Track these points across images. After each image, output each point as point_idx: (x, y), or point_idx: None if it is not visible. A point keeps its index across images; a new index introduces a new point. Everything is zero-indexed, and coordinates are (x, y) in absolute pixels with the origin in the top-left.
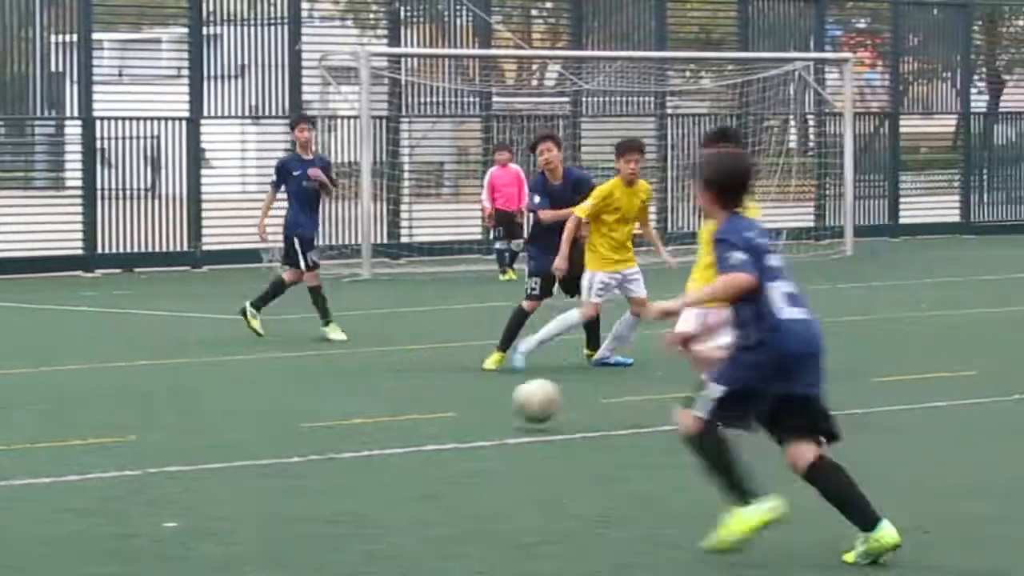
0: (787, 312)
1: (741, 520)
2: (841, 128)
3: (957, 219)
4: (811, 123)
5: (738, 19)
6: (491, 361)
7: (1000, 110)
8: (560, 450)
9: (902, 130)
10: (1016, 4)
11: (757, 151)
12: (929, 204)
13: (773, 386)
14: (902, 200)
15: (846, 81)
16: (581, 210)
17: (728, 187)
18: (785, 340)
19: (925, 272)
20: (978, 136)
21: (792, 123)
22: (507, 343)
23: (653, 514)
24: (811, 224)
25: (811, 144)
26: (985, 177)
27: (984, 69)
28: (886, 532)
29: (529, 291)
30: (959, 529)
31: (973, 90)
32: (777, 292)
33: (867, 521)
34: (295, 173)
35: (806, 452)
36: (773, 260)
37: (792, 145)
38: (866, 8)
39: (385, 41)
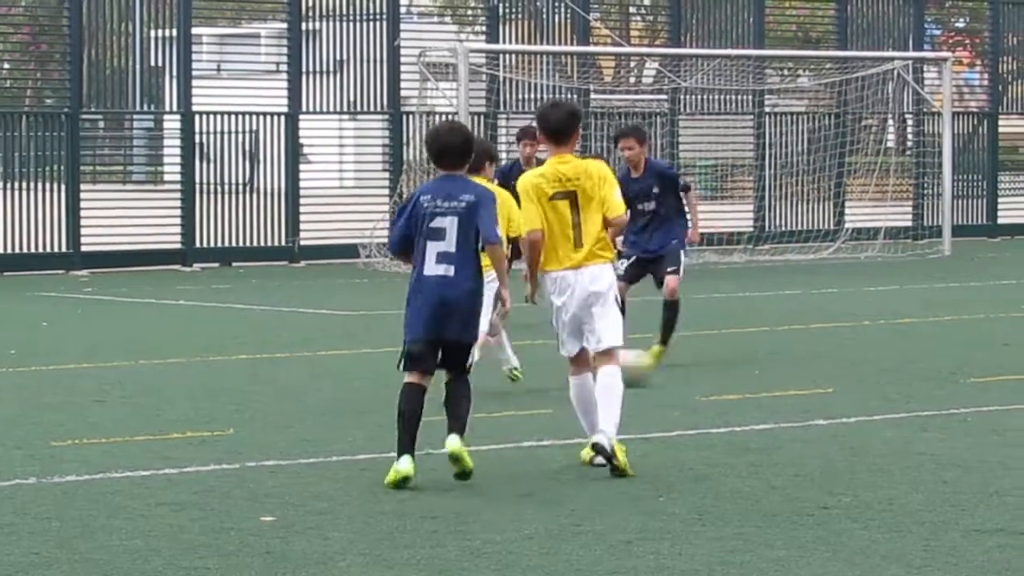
0: (429, 269)
1: (394, 469)
2: (939, 128)
3: None
4: (909, 122)
5: (836, 17)
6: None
7: None
8: (656, 447)
9: (1001, 130)
10: None
11: (855, 150)
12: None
13: (430, 333)
14: (1001, 200)
15: (945, 80)
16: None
17: (430, 154)
18: (421, 292)
19: (1022, 272)
20: None
21: (890, 122)
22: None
23: (748, 512)
24: (909, 224)
25: (909, 143)
26: None
27: None
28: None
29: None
30: None
31: None
32: (431, 251)
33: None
34: None
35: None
36: (436, 222)
37: (890, 144)
38: (965, 7)
39: (483, 37)
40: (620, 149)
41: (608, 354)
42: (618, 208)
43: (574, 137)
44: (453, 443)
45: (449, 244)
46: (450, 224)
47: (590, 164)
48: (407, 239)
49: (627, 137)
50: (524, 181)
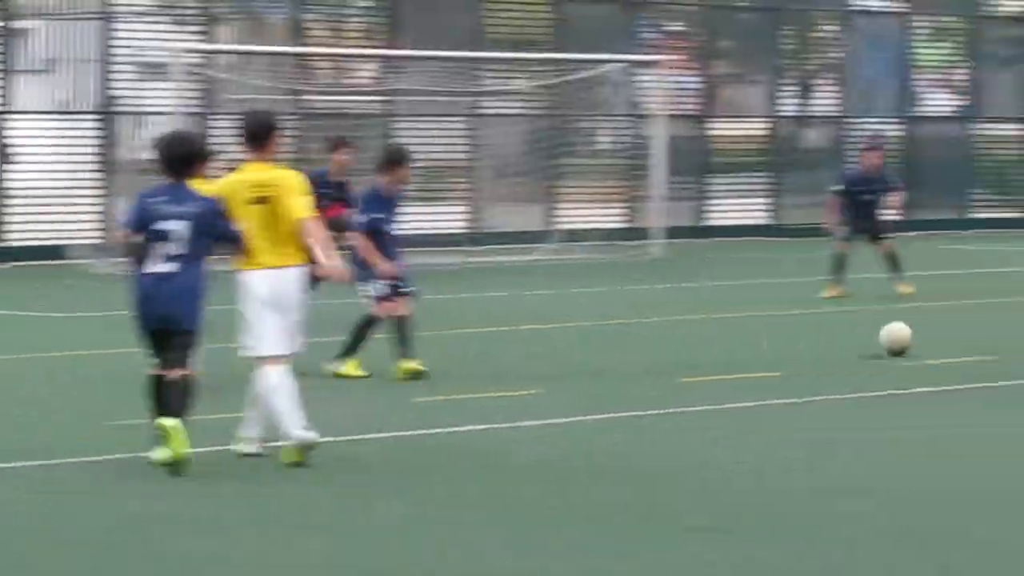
0: (153, 267)
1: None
2: (652, 130)
3: (766, 221)
4: (623, 125)
5: (552, 20)
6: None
7: (809, 114)
8: (372, 448)
9: (712, 133)
10: (826, 9)
11: (569, 152)
12: (738, 206)
13: (153, 324)
14: (711, 202)
15: (658, 84)
16: None
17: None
18: (143, 289)
19: (733, 274)
20: (787, 139)
21: (604, 125)
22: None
23: (463, 511)
24: (621, 225)
25: (623, 146)
26: (794, 181)
27: (794, 73)
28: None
29: None
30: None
31: (782, 94)
32: (157, 252)
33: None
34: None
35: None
36: (162, 225)
37: (604, 146)
38: (678, 12)
39: (199, 38)
40: (336, 153)
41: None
42: (302, 212)
43: (271, 144)
44: (167, 422)
45: (176, 247)
46: (178, 228)
47: (284, 172)
48: (135, 241)
49: (346, 144)
50: (224, 185)
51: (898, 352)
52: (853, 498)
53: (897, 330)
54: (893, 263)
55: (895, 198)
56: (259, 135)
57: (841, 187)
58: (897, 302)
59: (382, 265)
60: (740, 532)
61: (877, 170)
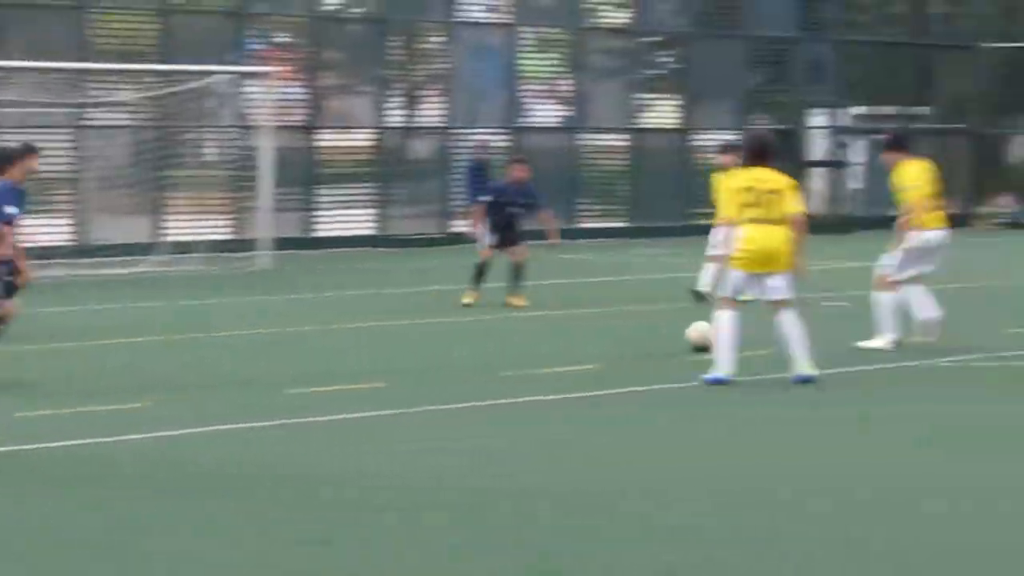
0: None
1: None
2: (260, 141)
3: (373, 232)
4: (231, 136)
5: (159, 32)
6: None
7: (415, 125)
8: None
9: (320, 144)
10: (432, 21)
11: (177, 163)
12: (346, 217)
13: None
14: (319, 213)
15: (265, 94)
16: None
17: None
18: None
19: (341, 284)
20: (394, 150)
21: (211, 136)
22: None
23: (35, 532)
24: (230, 237)
25: (231, 157)
26: (401, 191)
27: (401, 84)
28: None
29: None
30: (369, 538)
31: (390, 105)
32: None
33: None
34: None
35: None
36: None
37: (212, 157)
38: (285, 23)
39: None
40: None
41: None
42: None
43: None
44: None
45: None
46: None
47: None
48: None
49: None
50: None
51: (702, 348)
52: (436, 510)
53: (702, 328)
54: (517, 274)
55: (547, 218)
56: None
57: (488, 198)
58: (511, 312)
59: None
60: (345, 543)
61: (523, 183)
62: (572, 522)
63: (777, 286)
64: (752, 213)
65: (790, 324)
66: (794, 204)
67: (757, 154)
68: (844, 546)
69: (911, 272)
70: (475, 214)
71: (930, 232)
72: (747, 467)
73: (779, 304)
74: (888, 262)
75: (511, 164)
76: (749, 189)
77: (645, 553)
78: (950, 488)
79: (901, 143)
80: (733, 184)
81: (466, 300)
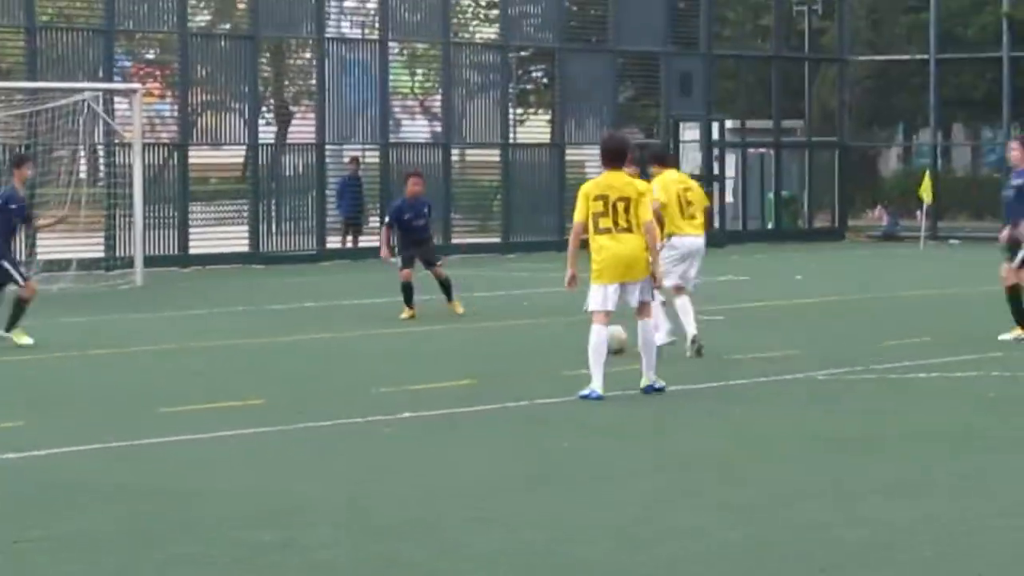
0: None
1: None
2: (131, 158)
3: (247, 249)
4: (101, 153)
5: (26, 48)
6: None
7: (288, 141)
8: None
9: (191, 161)
10: (300, 37)
11: (46, 181)
12: (219, 234)
13: None
14: (192, 230)
15: (135, 111)
16: None
17: None
18: None
19: (213, 301)
20: (266, 167)
21: (82, 153)
22: None
23: None
24: (102, 254)
25: (101, 174)
26: (274, 207)
27: (272, 100)
28: None
29: None
30: (245, 556)
31: (261, 121)
32: None
33: None
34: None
35: None
36: None
37: (82, 175)
38: (155, 39)
39: None
40: None
41: None
42: None
43: None
44: None
45: None
46: None
47: None
48: None
49: None
50: None
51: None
52: (280, 528)
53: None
54: (447, 287)
55: None
56: None
57: (390, 218)
58: (452, 321)
59: None
60: (222, 561)
61: (419, 197)
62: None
63: (638, 293)
64: (605, 222)
65: (648, 331)
66: (647, 211)
67: (614, 157)
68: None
69: (675, 280)
70: (382, 238)
71: (685, 238)
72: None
73: (641, 310)
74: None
75: (408, 178)
76: (602, 197)
77: None
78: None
79: (660, 157)
80: (588, 192)
81: (403, 316)
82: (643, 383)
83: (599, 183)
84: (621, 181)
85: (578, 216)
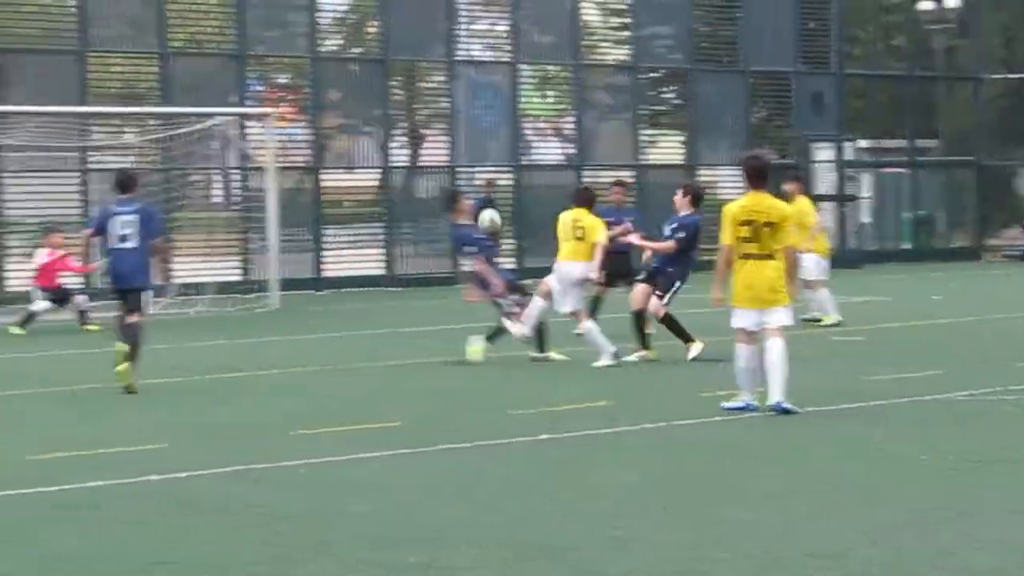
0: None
1: None
2: (265, 182)
3: (381, 271)
4: (235, 177)
5: (160, 74)
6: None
7: (420, 164)
8: None
9: (324, 184)
10: (431, 60)
11: (182, 205)
12: (353, 257)
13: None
14: (326, 253)
15: (268, 136)
16: None
17: None
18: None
19: (348, 324)
20: (399, 190)
21: (216, 177)
22: None
23: (78, 574)
24: (238, 278)
25: (236, 198)
26: (408, 230)
27: (404, 123)
28: None
29: None
30: None
31: (393, 144)
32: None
33: None
34: None
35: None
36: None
37: (217, 199)
38: (286, 64)
39: None
40: None
41: None
42: None
43: None
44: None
45: None
46: None
47: None
48: None
49: None
50: None
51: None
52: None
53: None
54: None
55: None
56: None
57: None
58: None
59: None
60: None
61: (621, 205)
62: None
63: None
64: (751, 248)
65: (775, 352)
66: (788, 235)
67: (759, 176)
68: None
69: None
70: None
71: (562, 264)
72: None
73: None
74: None
75: (613, 187)
76: (748, 222)
77: None
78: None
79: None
80: (735, 215)
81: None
82: (770, 401)
83: (745, 207)
84: (767, 204)
85: (726, 239)
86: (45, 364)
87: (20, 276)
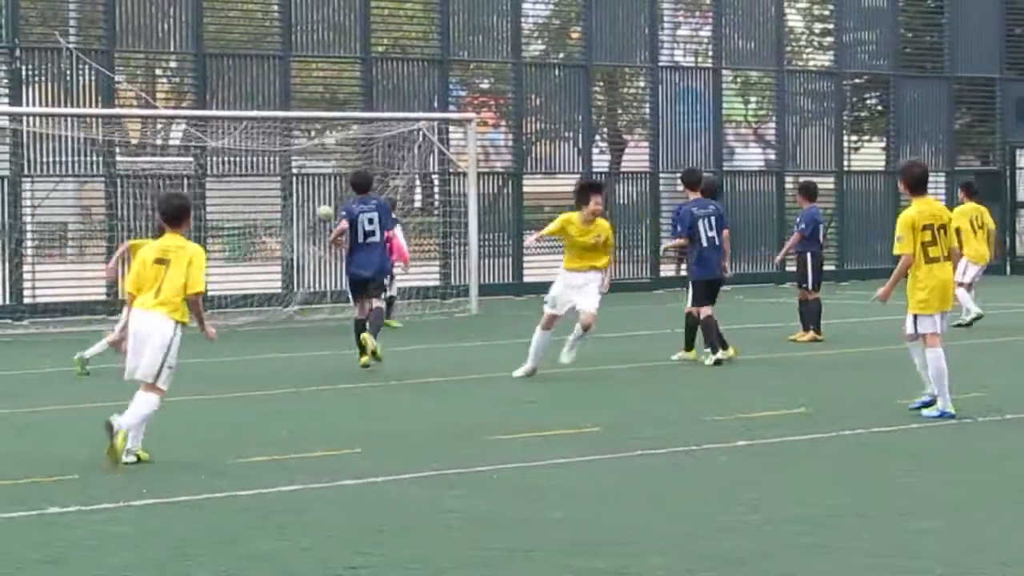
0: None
1: None
2: (466, 187)
3: None
4: (436, 182)
5: (362, 79)
6: None
7: (621, 170)
8: (183, 511)
9: (526, 189)
10: (633, 66)
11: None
12: (553, 263)
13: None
14: (527, 258)
15: (470, 141)
16: None
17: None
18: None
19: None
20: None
21: (417, 182)
22: None
23: (278, 575)
24: (437, 283)
25: (437, 203)
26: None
27: (605, 129)
28: None
29: None
30: None
31: (595, 150)
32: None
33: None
34: None
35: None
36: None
37: (418, 204)
38: (488, 69)
39: (6, 100)
40: None
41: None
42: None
43: (186, 221)
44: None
45: None
46: None
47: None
48: None
49: None
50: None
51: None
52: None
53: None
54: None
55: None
56: (177, 215)
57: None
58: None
59: None
60: None
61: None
62: None
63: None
64: (935, 252)
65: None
66: (954, 239)
67: (919, 183)
68: None
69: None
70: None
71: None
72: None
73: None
74: None
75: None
76: (929, 227)
77: None
78: None
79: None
80: (916, 222)
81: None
82: (934, 409)
83: (923, 212)
84: (937, 208)
85: (907, 248)
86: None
87: (223, 280)
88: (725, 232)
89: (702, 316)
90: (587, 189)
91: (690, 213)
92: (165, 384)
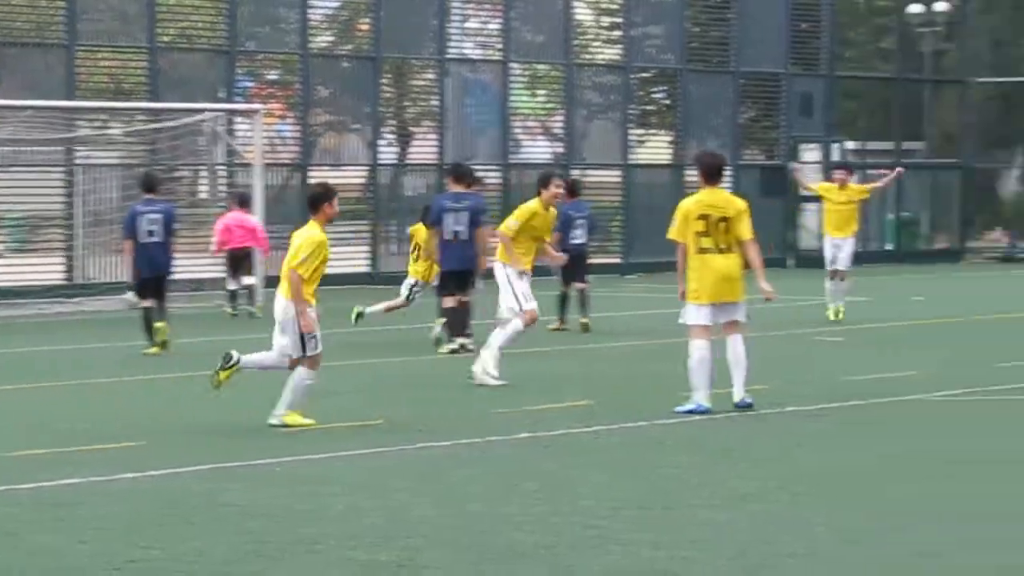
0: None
1: None
2: (252, 179)
3: (367, 269)
4: (222, 173)
5: (148, 69)
6: None
7: (408, 162)
8: None
9: (312, 181)
10: (422, 58)
11: (169, 201)
12: (339, 255)
13: None
14: None
15: (256, 132)
16: None
17: None
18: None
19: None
20: (387, 187)
21: (203, 173)
22: None
23: (53, 569)
24: (222, 275)
25: (222, 194)
26: (394, 228)
27: (393, 122)
28: None
29: None
30: None
31: (382, 142)
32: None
33: None
34: None
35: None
36: None
37: (203, 195)
38: (276, 60)
39: None
40: None
41: None
42: None
43: None
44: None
45: None
46: None
47: None
48: None
49: None
50: None
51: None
52: None
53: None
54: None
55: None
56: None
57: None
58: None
59: None
60: None
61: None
62: None
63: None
64: (707, 242)
65: (738, 347)
66: (747, 230)
67: (713, 173)
68: None
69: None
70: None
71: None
72: None
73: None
74: None
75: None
76: (704, 217)
77: None
78: None
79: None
80: (689, 211)
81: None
82: (735, 399)
83: (701, 203)
84: (722, 199)
85: (673, 234)
86: None
87: (3, 272)
88: (481, 229)
89: (447, 304)
90: (549, 175)
91: (441, 205)
92: None
